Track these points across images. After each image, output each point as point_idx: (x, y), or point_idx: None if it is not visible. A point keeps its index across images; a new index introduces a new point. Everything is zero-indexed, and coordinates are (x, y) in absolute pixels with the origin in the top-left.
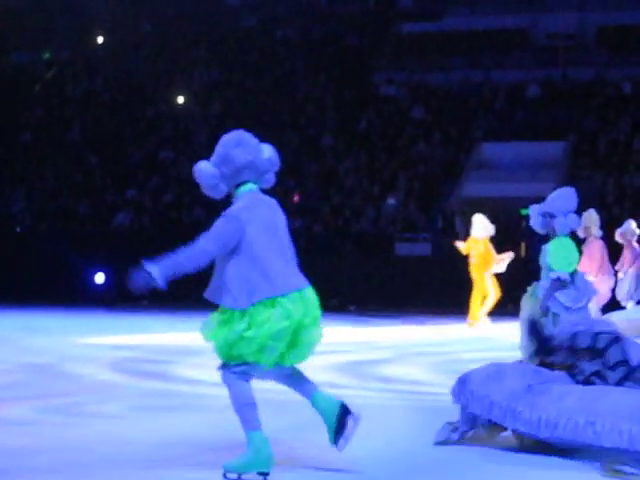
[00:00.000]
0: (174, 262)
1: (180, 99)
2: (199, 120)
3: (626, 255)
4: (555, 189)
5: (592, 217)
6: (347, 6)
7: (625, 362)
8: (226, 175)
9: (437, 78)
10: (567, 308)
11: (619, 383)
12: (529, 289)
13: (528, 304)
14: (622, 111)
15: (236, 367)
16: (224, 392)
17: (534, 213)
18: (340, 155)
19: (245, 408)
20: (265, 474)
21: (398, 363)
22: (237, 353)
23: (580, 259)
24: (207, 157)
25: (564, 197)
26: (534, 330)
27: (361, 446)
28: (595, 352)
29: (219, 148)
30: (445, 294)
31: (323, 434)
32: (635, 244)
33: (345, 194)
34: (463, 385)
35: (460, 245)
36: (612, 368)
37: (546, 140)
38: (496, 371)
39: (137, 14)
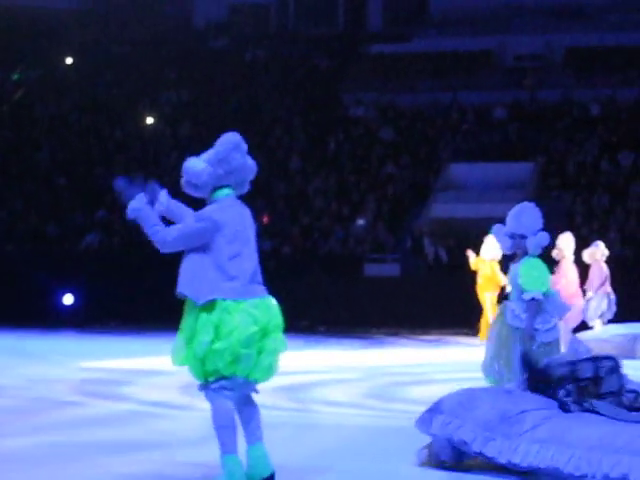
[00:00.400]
0: (150, 219)
1: (149, 120)
2: (168, 141)
3: (595, 275)
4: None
5: (568, 240)
6: (316, 28)
7: (622, 388)
8: (219, 175)
9: (405, 99)
10: (536, 330)
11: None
12: (498, 309)
13: (497, 324)
14: (590, 132)
15: (214, 383)
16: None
17: (499, 234)
18: (309, 176)
19: (223, 430)
20: None
21: (367, 382)
22: (212, 368)
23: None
24: (176, 178)
25: (531, 216)
26: (527, 362)
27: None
28: (597, 381)
29: (218, 147)
30: (414, 315)
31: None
32: (603, 265)
33: (314, 215)
34: (433, 414)
35: (471, 257)
36: (604, 397)
37: (514, 161)
38: (468, 398)
39: (106, 36)
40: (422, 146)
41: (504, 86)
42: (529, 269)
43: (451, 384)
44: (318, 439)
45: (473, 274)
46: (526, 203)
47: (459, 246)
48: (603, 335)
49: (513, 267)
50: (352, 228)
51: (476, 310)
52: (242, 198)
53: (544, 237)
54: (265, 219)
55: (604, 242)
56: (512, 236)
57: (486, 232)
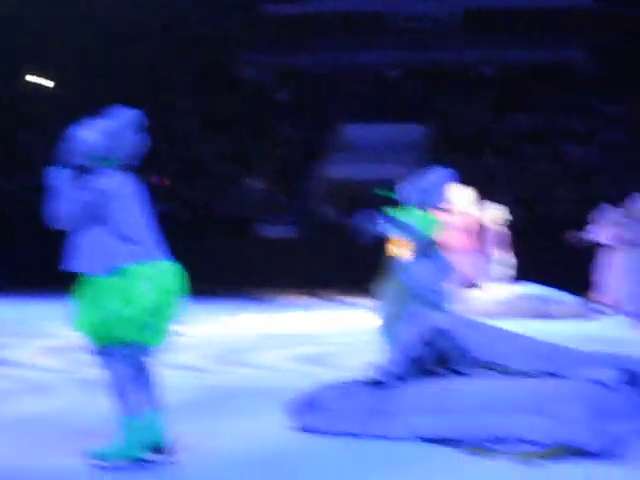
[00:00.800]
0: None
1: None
2: (55, 102)
3: (496, 238)
4: (416, 171)
5: (460, 194)
6: None
7: (464, 349)
8: (110, 148)
9: (301, 61)
10: (426, 289)
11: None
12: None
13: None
14: (483, 94)
15: (115, 349)
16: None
17: (406, 190)
18: (204, 139)
19: (126, 394)
20: (142, 460)
21: (259, 351)
22: (118, 335)
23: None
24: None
25: (437, 174)
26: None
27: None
28: (439, 354)
29: (112, 122)
30: (310, 276)
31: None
32: (504, 228)
33: (209, 178)
34: (312, 407)
35: None
36: (452, 358)
37: (408, 122)
38: (344, 388)
39: None
40: (316, 107)
41: (398, 47)
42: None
43: (326, 346)
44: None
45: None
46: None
47: (353, 207)
48: (511, 296)
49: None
50: (247, 190)
51: (372, 271)
52: (135, 164)
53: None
54: (159, 182)
55: (495, 204)
56: (420, 191)
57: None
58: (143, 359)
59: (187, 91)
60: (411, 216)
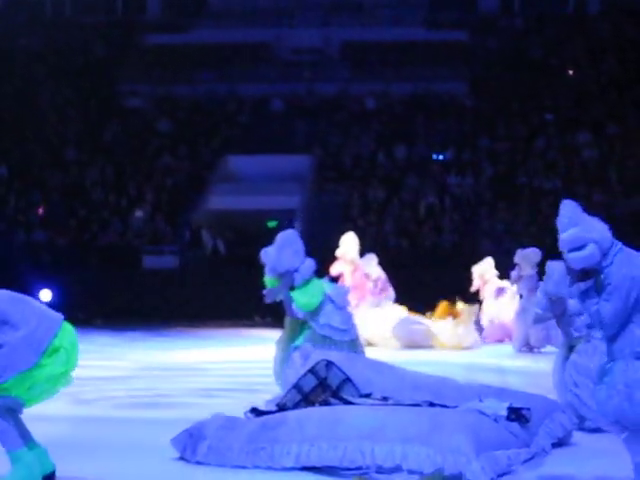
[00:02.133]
0: None
1: None
2: None
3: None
4: (301, 201)
5: (351, 240)
6: (93, 16)
7: (348, 379)
8: None
9: (183, 90)
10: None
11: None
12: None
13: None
14: (366, 125)
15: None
16: None
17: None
18: (85, 167)
19: (5, 432)
20: None
21: (142, 379)
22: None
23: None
24: None
25: (290, 251)
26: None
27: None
28: (324, 385)
29: None
30: (192, 307)
31: None
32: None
33: (91, 207)
34: (195, 440)
35: None
36: (339, 390)
37: (292, 153)
38: (228, 420)
39: None
40: (199, 138)
41: (282, 79)
42: (302, 296)
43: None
44: None
45: (250, 266)
46: (283, 237)
47: (237, 238)
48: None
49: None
50: (130, 220)
51: (254, 301)
52: (17, 189)
53: (310, 266)
54: (40, 210)
55: (379, 234)
56: (284, 274)
57: (264, 224)
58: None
59: (70, 119)
60: (305, 287)
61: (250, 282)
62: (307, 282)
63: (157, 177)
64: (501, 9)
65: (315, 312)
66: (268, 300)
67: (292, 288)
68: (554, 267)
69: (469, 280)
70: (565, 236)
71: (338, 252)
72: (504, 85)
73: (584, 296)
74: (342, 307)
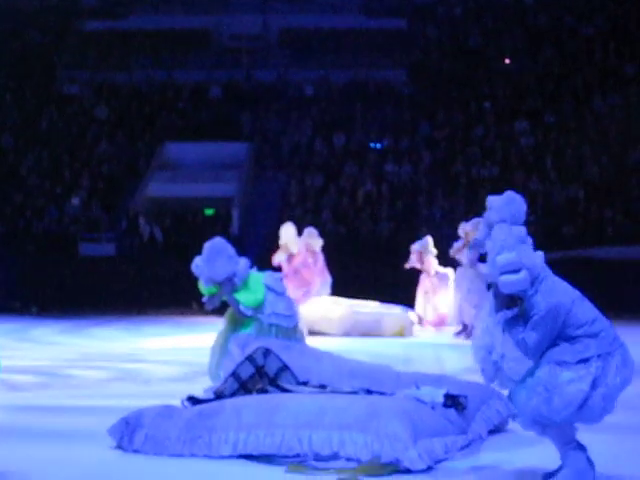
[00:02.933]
0: None
1: None
2: None
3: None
4: (239, 189)
5: (289, 231)
6: (29, 1)
7: (285, 367)
8: None
9: (121, 77)
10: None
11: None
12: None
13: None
14: (304, 112)
15: None
16: None
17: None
18: (21, 154)
19: None
20: None
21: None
22: None
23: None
24: None
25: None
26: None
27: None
28: (262, 373)
29: None
30: (129, 294)
31: None
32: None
33: (27, 194)
34: (132, 429)
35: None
36: (276, 377)
37: (230, 141)
38: (165, 408)
39: None
40: (137, 124)
41: (220, 65)
42: (246, 295)
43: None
44: None
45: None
46: (213, 247)
47: (174, 225)
48: (337, 313)
49: None
50: (66, 207)
51: (191, 289)
52: None
53: (245, 265)
54: None
55: (317, 222)
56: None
57: (201, 212)
58: None
59: (6, 105)
60: (246, 286)
61: (187, 270)
62: (246, 280)
63: (94, 164)
64: None
65: (261, 305)
66: (209, 307)
67: (235, 290)
68: (495, 199)
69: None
70: (500, 259)
71: (280, 242)
72: (442, 73)
73: (510, 324)
74: (282, 293)
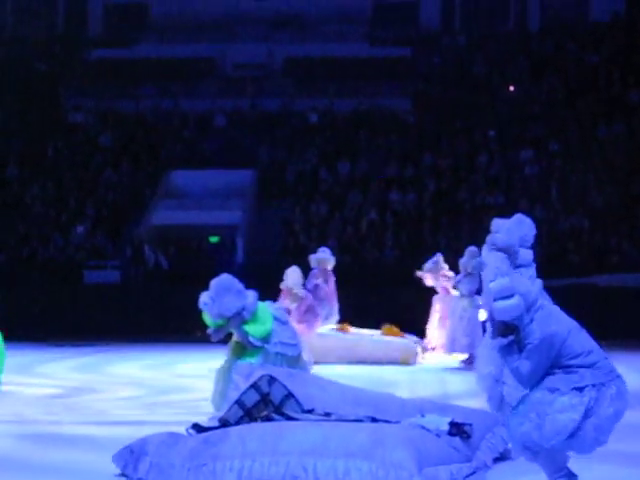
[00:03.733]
0: None
1: None
2: None
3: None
4: (243, 217)
5: (295, 274)
6: (35, 30)
7: (290, 395)
8: None
9: (126, 105)
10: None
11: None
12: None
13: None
14: (309, 141)
15: None
16: None
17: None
18: (26, 183)
19: None
20: None
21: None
22: None
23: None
24: None
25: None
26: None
27: None
28: (267, 401)
29: None
30: (133, 322)
31: None
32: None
33: (32, 222)
34: (137, 456)
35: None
36: (281, 405)
37: (235, 169)
38: (170, 436)
39: None
40: (142, 153)
41: (225, 94)
42: (255, 327)
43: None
44: None
45: (192, 281)
46: (220, 284)
47: (179, 253)
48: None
49: None
50: (71, 235)
51: (196, 316)
52: None
53: (254, 298)
54: None
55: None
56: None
57: (206, 240)
58: None
59: (12, 134)
60: (254, 317)
61: (192, 297)
62: (255, 312)
63: (99, 192)
64: (442, 26)
65: (270, 335)
66: (214, 339)
67: (244, 322)
68: (503, 222)
69: (413, 294)
70: (494, 285)
71: (283, 285)
72: (446, 101)
73: (505, 351)
74: (286, 322)
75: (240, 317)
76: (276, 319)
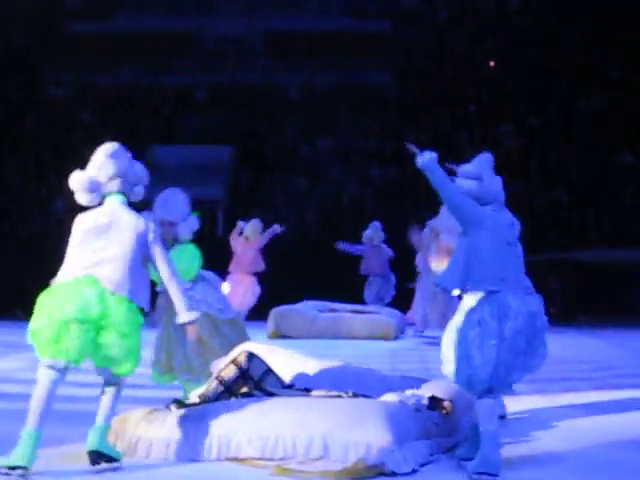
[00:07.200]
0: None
1: None
2: None
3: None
4: (224, 192)
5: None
6: (12, 4)
7: (270, 370)
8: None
9: (106, 80)
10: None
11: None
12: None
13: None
14: (289, 116)
15: None
16: None
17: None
18: (5, 157)
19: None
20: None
21: None
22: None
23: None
24: None
25: (179, 202)
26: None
27: None
28: (246, 377)
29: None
30: None
31: None
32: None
33: (11, 197)
34: (117, 433)
35: None
36: (261, 381)
37: (214, 144)
38: (150, 413)
39: None
40: (123, 128)
41: (205, 68)
42: (179, 258)
43: None
44: None
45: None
46: (172, 189)
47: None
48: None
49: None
50: (51, 210)
51: None
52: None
53: (194, 222)
54: None
55: (302, 225)
56: (162, 223)
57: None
58: None
59: None
60: (181, 252)
61: None
62: (186, 246)
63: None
64: (424, 0)
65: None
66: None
67: (176, 240)
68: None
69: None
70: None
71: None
72: (427, 76)
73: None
74: (216, 288)
75: (174, 229)
76: (204, 279)
